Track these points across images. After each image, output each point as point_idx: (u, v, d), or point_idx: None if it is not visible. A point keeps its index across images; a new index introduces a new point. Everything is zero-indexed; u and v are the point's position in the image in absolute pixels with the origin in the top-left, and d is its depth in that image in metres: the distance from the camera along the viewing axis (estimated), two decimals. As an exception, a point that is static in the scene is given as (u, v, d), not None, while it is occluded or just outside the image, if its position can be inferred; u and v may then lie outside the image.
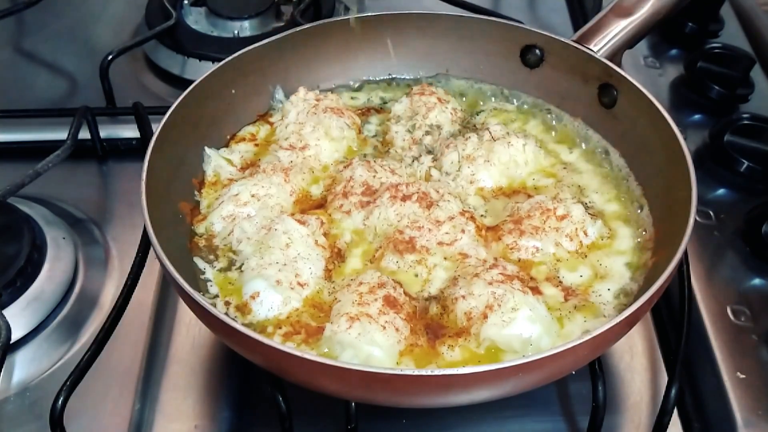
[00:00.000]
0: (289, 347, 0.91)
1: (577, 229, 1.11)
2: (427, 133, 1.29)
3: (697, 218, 1.17)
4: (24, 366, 1.12)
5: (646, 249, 1.11)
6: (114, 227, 1.32)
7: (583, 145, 1.28)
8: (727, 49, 1.56)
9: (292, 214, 1.13)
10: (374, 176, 1.18)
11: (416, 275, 1.07)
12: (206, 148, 1.24)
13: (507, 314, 0.98)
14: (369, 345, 0.95)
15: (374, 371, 0.85)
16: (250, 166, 1.24)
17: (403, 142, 1.29)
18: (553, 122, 1.33)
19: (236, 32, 1.67)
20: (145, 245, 1.12)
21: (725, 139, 1.37)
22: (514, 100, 1.37)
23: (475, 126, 1.32)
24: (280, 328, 1.02)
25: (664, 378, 1.10)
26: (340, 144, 1.28)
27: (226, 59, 1.25)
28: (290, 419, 0.99)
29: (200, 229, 1.16)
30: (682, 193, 1.03)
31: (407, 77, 1.43)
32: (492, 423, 1.07)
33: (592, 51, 1.24)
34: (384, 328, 0.97)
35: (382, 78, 1.43)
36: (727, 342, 1.12)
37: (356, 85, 1.42)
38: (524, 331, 0.98)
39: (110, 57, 1.50)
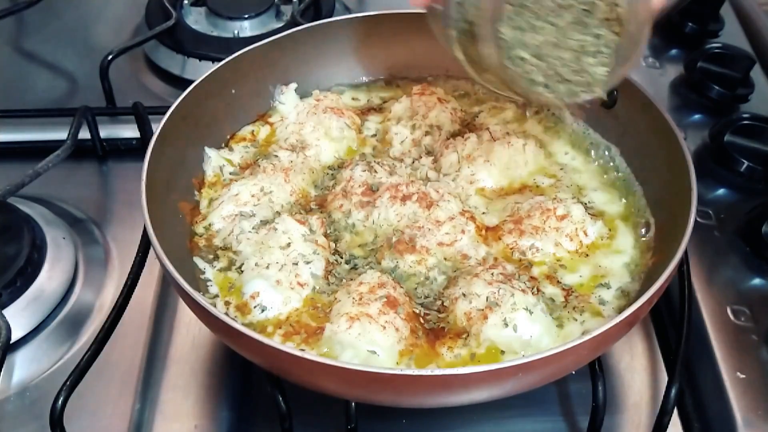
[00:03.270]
0: (289, 347, 0.91)
1: (577, 229, 1.11)
2: (427, 133, 1.28)
3: (697, 218, 1.16)
4: (24, 366, 1.12)
5: (646, 249, 1.11)
6: (114, 227, 1.32)
7: (583, 145, 1.28)
8: (727, 49, 1.56)
9: (292, 214, 1.13)
10: (374, 176, 1.18)
11: (416, 275, 1.08)
12: (206, 148, 1.24)
13: (507, 314, 0.98)
14: (369, 345, 0.95)
15: (374, 371, 0.85)
16: (250, 166, 1.24)
17: (402, 146, 1.28)
18: (553, 122, 1.33)
19: (236, 32, 1.67)
20: (145, 245, 1.12)
21: (725, 139, 1.37)
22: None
23: (475, 126, 1.32)
24: (280, 328, 1.02)
25: (664, 378, 1.10)
26: (340, 144, 1.29)
27: (226, 59, 1.25)
28: (290, 419, 0.99)
29: (200, 229, 1.16)
30: (682, 193, 1.03)
31: (407, 77, 1.43)
32: (492, 423, 1.07)
33: (592, 51, 1.24)
34: (384, 328, 0.97)
35: (382, 78, 1.43)
36: (727, 342, 1.12)
37: (356, 85, 1.42)
38: (524, 331, 0.98)
39: (110, 57, 1.50)
